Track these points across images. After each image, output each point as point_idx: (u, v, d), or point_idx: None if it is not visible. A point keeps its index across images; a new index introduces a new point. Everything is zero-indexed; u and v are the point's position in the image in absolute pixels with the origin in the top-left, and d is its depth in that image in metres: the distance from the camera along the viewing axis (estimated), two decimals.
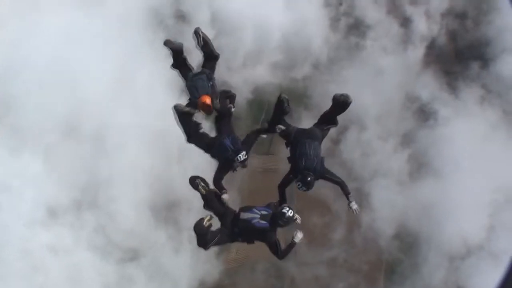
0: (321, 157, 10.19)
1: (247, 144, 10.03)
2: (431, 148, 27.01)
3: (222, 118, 10.09)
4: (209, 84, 9.93)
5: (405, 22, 30.13)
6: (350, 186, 25.51)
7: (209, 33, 28.01)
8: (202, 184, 10.44)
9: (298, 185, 9.76)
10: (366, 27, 29.87)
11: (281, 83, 28.56)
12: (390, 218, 26.61)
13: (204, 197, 10.64)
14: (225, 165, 9.98)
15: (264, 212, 9.75)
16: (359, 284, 27.35)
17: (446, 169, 26.60)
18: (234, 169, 9.94)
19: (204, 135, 10.14)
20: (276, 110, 9.95)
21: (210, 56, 10.45)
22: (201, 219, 10.22)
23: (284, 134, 10.03)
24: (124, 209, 24.78)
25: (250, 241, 9.98)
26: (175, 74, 26.73)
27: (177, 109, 9.94)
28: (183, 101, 10.99)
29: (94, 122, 24.46)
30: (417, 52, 29.67)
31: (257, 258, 26.93)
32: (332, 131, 25.75)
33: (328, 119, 10.57)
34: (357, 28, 30.01)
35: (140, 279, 24.75)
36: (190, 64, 10.70)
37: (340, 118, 25.36)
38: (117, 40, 26.02)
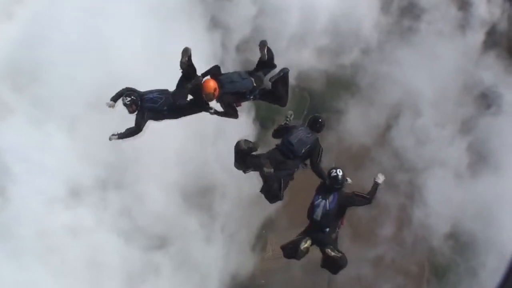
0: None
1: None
2: (494, 138, 24.11)
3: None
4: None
5: (464, 5, 27.43)
6: (401, 177, 23.30)
7: (251, 10, 26.18)
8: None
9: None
10: (421, 10, 27.24)
11: (327, 69, 25.89)
12: (445, 214, 23.83)
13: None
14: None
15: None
16: (407, 287, 24.32)
17: (510, 162, 23.30)
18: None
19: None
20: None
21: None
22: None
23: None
24: (152, 192, 22.67)
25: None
26: (213, 48, 24.69)
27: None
28: None
29: None
30: (477, 36, 26.48)
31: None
32: (381, 115, 22.34)
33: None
34: (411, 10, 27.49)
35: (166, 269, 22.66)
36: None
37: (391, 102, 21.89)
38: (152, 10, 23.82)
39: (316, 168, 9.66)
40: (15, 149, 21.12)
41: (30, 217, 21.05)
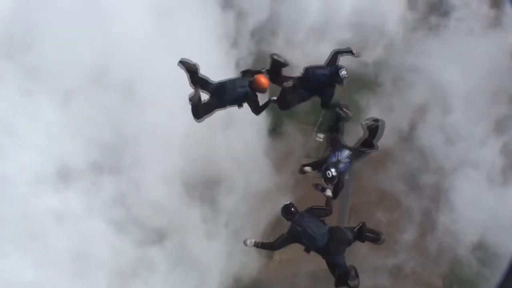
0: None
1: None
2: None
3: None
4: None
5: (496, 2, 25.15)
6: (426, 179, 20.81)
7: None
8: None
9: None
10: (450, 7, 25.25)
11: (348, 66, 23.62)
12: (474, 221, 21.31)
13: None
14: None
15: None
16: None
17: None
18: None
19: None
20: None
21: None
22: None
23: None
24: (151, 179, 20.22)
25: None
26: (226, 28, 22.43)
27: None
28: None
29: (124, 71, 20.36)
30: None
31: (301, 267, 21.77)
32: (407, 113, 23.10)
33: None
34: (439, 7, 25.60)
35: (161, 265, 20.19)
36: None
37: (419, 96, 23.09)
38: None
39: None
40: (1, 119, 18.69)
41: (12, 197, 18.72)
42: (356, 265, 21.63)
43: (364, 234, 9.41)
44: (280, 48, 23.85)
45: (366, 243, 9.71)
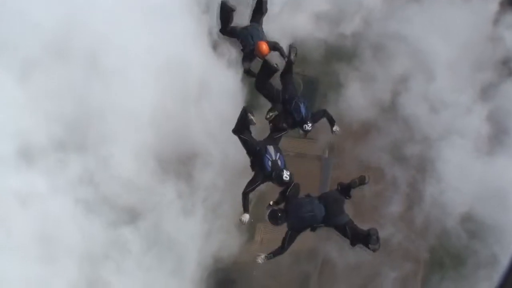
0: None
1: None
2: None
3: (286, 72, 9.62)
4: (262, 34, 9.99)
5: None
6: (412, 149, 19.87)
7: None
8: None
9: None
10: None
11: (326, 38, 22.58)
12: (462, 191, 20.29)
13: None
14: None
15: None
16: (417, 275, 20.86)
17: None
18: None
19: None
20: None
21: (259, 10, 10.50)
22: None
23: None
24: (120, 155, 18.77)
25: None
26: None
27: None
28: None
29: (88, 40, 18.61)
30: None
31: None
32: (389, 79, 22.30)
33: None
34: None
35: (134, 247, 18.60)
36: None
37: (402, 64, 22.00)
38: None
39: None
40: None
41: None
42: (337, 241, 20.66)
43: (347, 186, 9.27)
44: None
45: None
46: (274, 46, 9.91)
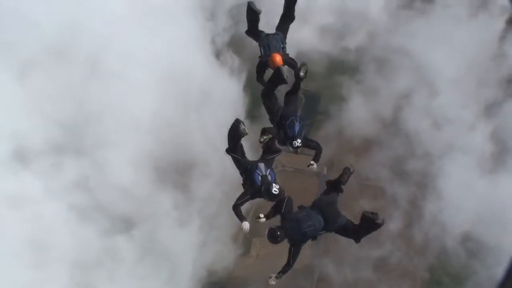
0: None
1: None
2: None
3: (292, 92, 9.56)
4: (281, 46, 9.79)
5: None
6: (413, 165, 19.50)
7: None
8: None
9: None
10: None
11: (330, 52, 22.28)
12: (463, 210, 19.92)
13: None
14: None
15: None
16: None
17: None
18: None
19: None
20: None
21: (288, 17, 10.12)
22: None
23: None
24: (117, 161, 18.39)
25: None
26: None
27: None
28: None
29: (89, 43, 18.49)
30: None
31: (278, 263, 20.04)
32: (392, 93, 21.97)
33: None
34: None
35: (128, 256, 18.17)
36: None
37: (404, 79, 22.12)
38: None
39: None
40: None
41: None
42: (334, 258, 20.16)
43: (336, 183, 9.12)
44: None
45: None
46: (288, 61, 9.64)
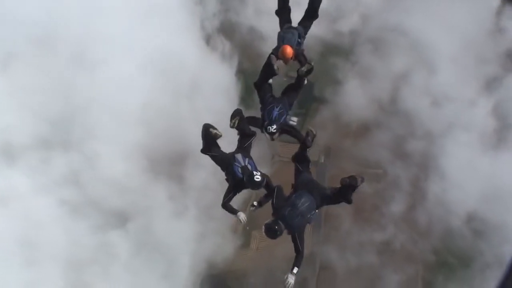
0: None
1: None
2: None
3: (292, 88, 9.63)
4: (297, 40, 9.66)
5: None
6: (414, 145, 18.86)
7: None
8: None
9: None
10: None
11: (323, 36, 21.62)
12: (467, 189, 19.30)
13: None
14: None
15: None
16: (420, 277, 19.98)
17: None
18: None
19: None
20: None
21: (312, 15, 9.97)
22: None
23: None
24: (108, 154, 17.65)
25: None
26: None
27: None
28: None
29: (75, 33, 17.57)
30: None
31: (278, 254, 19.70)
32: (389, 73, 21.61)
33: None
34: None
35: (123, 251, 17.57)
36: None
37: (402, 58, 21.66)
38: None
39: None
40: None
41: None
42: (337, 243, 19.51)
43: (302, 151, 9.23)
44: (249, 16, 21.83)
45: None
46: (299, 57, 9.49)
